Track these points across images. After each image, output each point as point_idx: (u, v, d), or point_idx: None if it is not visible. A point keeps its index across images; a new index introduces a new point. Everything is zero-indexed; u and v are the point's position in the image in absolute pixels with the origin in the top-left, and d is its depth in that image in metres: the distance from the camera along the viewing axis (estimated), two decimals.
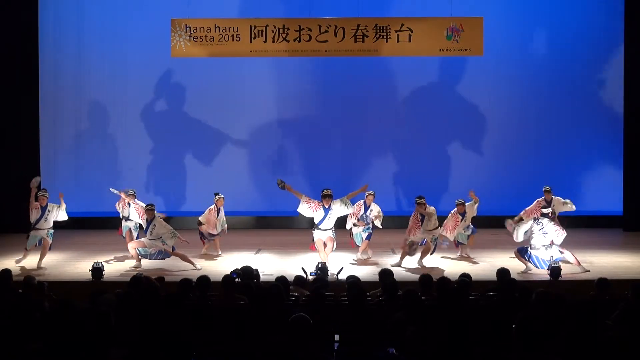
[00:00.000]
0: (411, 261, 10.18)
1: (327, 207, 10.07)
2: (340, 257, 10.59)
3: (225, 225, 11.45)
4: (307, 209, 10.06)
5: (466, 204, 10.90)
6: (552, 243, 9.46)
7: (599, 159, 14.79)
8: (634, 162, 14.10)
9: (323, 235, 10.11)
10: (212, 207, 11.30)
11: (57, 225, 10.66)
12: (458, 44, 11.82)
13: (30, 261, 10.20)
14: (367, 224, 10.69)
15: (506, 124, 14.83)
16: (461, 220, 10.85)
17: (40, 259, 10.12)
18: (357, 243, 10.79)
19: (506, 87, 14.79)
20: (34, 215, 10.29)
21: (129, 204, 10.95)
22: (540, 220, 9.66)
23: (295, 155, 14.82)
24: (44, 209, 10.32)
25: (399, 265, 10.08)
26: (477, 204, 11.01)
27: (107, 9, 14.68)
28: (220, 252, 11.28)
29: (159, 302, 6.10)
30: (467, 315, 4.85)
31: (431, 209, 10.26)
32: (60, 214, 10.51)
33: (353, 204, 10.45)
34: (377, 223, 10.78)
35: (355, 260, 10.58)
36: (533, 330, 3.96)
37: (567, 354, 4.36)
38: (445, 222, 10.87)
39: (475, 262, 10.38)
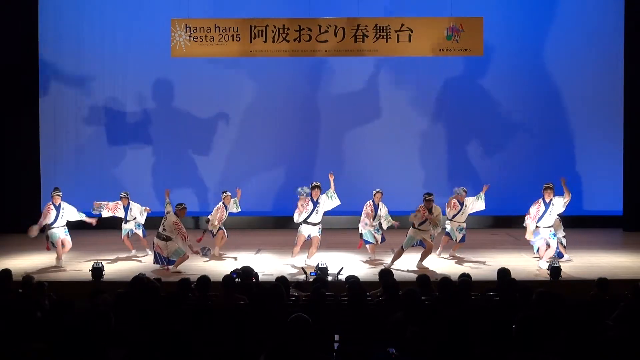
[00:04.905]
0: (412, 261, 10.18)
1: (315, 200, 10.14)
2: (340, 257, 10.58)
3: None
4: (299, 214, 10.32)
5: (467, 198, 10.87)
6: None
7: (599, 159, 14.77)
8: (634, 162, 14.09)
9: (311, 230, 10.24)
10: (219, 205, 11.32)
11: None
12: (458, 44, 11.80)
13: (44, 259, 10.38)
14: (375, 224, 10.58)
15: (505, 124, 14.81)
16: (460, 210, 10.78)
17: (59, 257, 10.28)
18: (370, 240, 10.56)
19: (505, 88, 14.77)
20: (50, 217, 10.36)
21: (124, 206, 11.22)
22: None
23: (296, 155, 14.80)
24: (57, 207, 10.43)
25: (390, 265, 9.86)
26: (479, 200, 10.93)
27: (107, 9, 14.66)
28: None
29: (159, 302, 6.10)
30: (467, 315, 4.84)
31: (437, 210, 10.13)
32: (73, 214, 10.63)
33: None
34: (384, 224, 10.70)
35: (366, 262, 10.49)
36: (533, 330, 3.95)
37: (567, 354, 4.36)
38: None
39: (460, 263, 10.34)
